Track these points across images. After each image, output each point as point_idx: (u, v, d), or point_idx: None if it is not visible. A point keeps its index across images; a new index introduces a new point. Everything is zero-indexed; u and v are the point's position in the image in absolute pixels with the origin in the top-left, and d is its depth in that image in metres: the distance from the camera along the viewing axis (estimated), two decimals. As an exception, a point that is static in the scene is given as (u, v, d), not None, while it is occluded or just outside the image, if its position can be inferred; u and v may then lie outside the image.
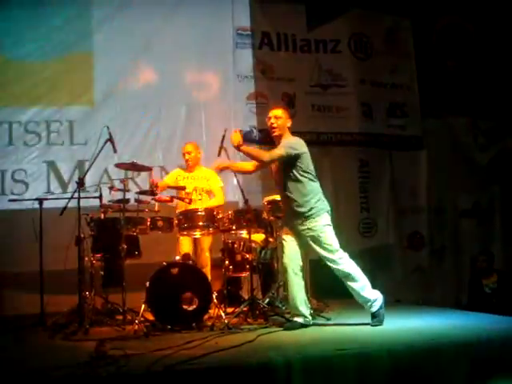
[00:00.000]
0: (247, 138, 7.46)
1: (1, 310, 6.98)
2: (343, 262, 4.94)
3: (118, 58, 7.53)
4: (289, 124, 5.15)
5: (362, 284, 4.95)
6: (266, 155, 5.02)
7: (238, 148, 5.10)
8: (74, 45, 7.47)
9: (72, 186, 6.93)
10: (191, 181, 6.22)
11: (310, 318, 5.09)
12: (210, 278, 5.60)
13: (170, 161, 7.20)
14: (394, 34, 8.58)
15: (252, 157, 5.14)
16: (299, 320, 5.03)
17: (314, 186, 5.06)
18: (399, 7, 8.48)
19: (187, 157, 6.31)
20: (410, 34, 8.58)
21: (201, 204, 5.95)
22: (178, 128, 7.49)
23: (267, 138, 5.87)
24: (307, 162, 5.04)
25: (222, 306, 5.47)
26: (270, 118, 5.14)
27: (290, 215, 5.08)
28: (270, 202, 5.80)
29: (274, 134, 5.12)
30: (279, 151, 4.95)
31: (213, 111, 7.62)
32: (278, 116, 5.10)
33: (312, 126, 7.93)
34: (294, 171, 4.98)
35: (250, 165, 5.33)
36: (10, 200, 5.98)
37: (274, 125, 5.09)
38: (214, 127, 7.25)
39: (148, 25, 7.64)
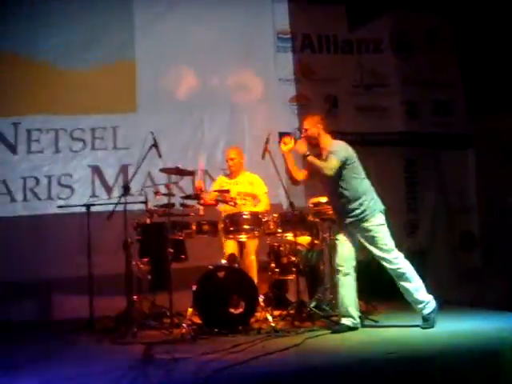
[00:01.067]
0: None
1: (50, 315, 7.14)
2: (399, 262, 4.92)
3: (160, 64, 7.58)
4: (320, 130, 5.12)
5: (416, 285, 4.90)
6: (329, 170, 4.97)
7: (304, 157, 5.12)
8: (117, 53, 7.56)
9: (116, 191, 7.06)
10: (235, 186, 6.22)
11: (359, 320, 5.03)
12: (256, 281, 5.59)
13: (213, 165, 7.20)
14: (437, 32, 8.40)
15: (317, 168, 5.10)
16: (347, 322, 4.98)
17: (366, 186, 5.06)
18: (441, 5, 8.33)
19: (230, 163, 6.33)
20: (452, 32, 8.41)
21: (245, 209, 5.94)
22: (221, 132, 7.49)
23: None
24: (355, 164, 5.05)
25: (269, 309, 5.44)
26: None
27: (344, 216, 5.07)
28: (315, 204, 5.77)
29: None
30: (335, 161, 4.94)
31: (255, 115, 7.60)
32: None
33: (356, 126, 7.82)
34: (345, 173, 4.98)
35: (300, 174, 5.30)
36: (59, 206, 6.09)
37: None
38: (256, 131, 7.22)
39: (189, 30, 7.66)
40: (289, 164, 5.27)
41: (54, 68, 7.41)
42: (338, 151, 5.00)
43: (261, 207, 6.15)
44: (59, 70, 7.42)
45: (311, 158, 5.07)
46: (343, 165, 4.95)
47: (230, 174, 6.38)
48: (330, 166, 4.95)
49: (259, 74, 7.76)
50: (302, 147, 5.10)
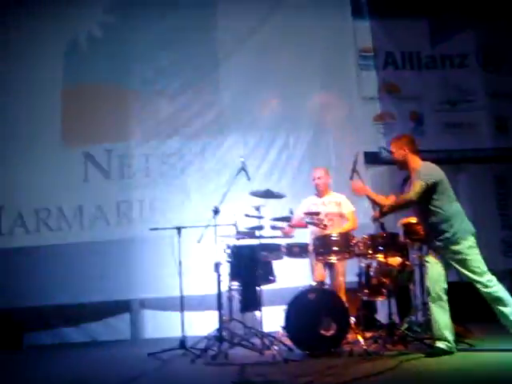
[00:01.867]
0: (375, 159, 7.40)
1: (143, 333, 7.37)
2: (493, 285, 4.82)
3: (243, 88, 7.74)
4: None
5: None
6: (411, 196, 4.96)
7: (384, 214, 5.22)
8: (202, 79, 7.79)
9: (206, 214, 7.21)
10: (322, 207, 6.22)
11: (454, 344, 4.90)
12: (344, 302, 5.56)
13: (300, 186, 7.17)
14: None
15: (399, 209, 5.17)
16: (442, 346, 4.87)
17: (455, 209, 4.97)
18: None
19: (317, 182, 6.33)
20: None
21: (333, 229, 5.93)
22: (306, 153, 7.52)
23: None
24: (445, 186, 4.98)
25: (360, 330, 5.39)
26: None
27: (433, 239, 5.01)
28: (405, 225, 5.69)
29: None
30: (419, 184, 4.91)
31: (340, 134, 7.59)
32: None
33: (443, 144, 7.68)
34: (434, 197, 4.93)
35: (387, 200, 5.28)
36: (152, 228, 6.27)
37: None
38: (342, 151, 7.24)
39: (270, 54, 7.80)
40: (373, 197, 5.33)
41: (144, 96, 7.72)
42: (424, 175, 4.95)
43: (348, 226, 6.12)
44: (149, 97, 7.72)
45: (389, 209, 5.15)
46: (430, 188, 4.89)
47: (317, 194, 6.39)
48: (413, 191, 4.92)
49: (342, 93, 7.76)
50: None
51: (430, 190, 4.91)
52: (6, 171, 7.59)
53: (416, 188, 4.91)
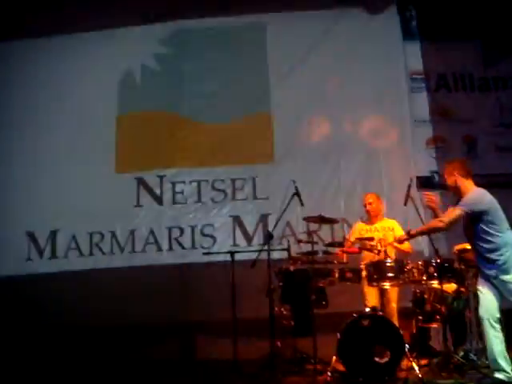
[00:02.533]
0: (428, 184, 7.30)
1: (195, 355, 7.40)
2: None
3: (294, 114, 7.81)
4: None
5: None
6: (444, 221, 4.92)
7: (411, 236, 5.25)
8: (253, 106, 7.92)
9: (256, 239, 7.28)
10: (375, 233, 6.18)
11: (512, 373, 4.77)
12: (398, 329, 5.48)
13: (351, 212, 7.10)
14: None
15: (429, 233, 5.15)
16: (500, 376, 4.74)
17: (507, 238, 4.83)
18: None
19: (368, 207, 6.30)
20: None
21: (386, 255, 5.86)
22: (357, 178, 7.48)
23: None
24: (495, 214, 4.85)
25: (414, 358, 5.29)
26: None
27: (484, 267, 4.89)
28: (460, 251, 5.60)
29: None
30: (457, 211, 4.86)
31: (392, 159, 7.52)
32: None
33: (497, 167, 7.53)
34: (482, 225, 4.83)
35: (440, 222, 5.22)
36: (205, 253, 6.36)
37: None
38: (394, 175, 7.19)
39: (321, 78, 7.87)
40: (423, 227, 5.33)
41: (195, 122, 7.87)
42: (472, 200, 4.86)
43: (403, 247, 6.05)
44: (200, 124, 7.86)
45: (416, 232, 5.21)
46: (474, 215, 4.80)
47: (369, 220, 6.36)
48: (448, 216, 4.90)
49: (393, 116, 7.73)
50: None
51: (478, 218, 4.81)
52: (62, 195, 7.83)
53: (451, 215, 4.86)
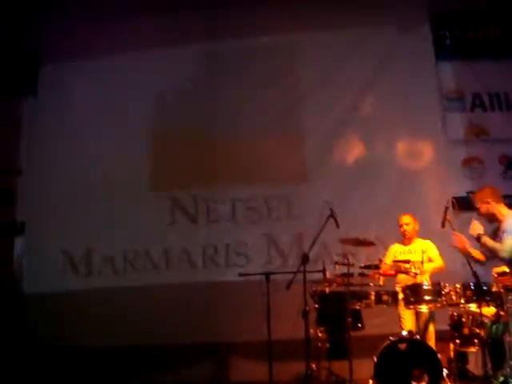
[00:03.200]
0: (464, 204, 7.20)
1: (229, 377, 7.40)
2: None
3: (328, 132, 7.83)
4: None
5: None
6: (505, 251, 4.94)
7: (477, 239, 5.10)
8: (286, 124, 7.94)
9: (291, 259, 7.28)
10: (409, 255, 6.14)
11: (553, 401, 4.67)
12: (435, 352, 5.42)
13: (386, 233, 6.93)
14: None
15: (490, 250, 5.07)
16: (541, 403, 4.64)
17: None
18: None
19: (405, 228, 6.26)
20: None
21: (420, 278, 5.80)
22: (392, 199, 7.39)
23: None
24: None
25: (452, 382, 5.23)
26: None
27: None
28: (499, 274, 5.51)
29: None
30: (510, 241, 4.84)
31: (427, 179, 7.45)
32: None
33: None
34: None
35: (478, 255, 5.22)
36: (240, 274, 6.38)
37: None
38: (429, 196, 7.12)
39: (351, 97, 7.88)
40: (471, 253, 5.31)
41: (230, 141, 7.91)
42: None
43: (434, 264, 6.05)
44: (234, 142, 7.91)
45: (485, 239, 5.03)
46: None
47: (404, 241, 6.31)
48: (505, 247, 4.83)
49: (428, 136, 7.65)
50: (477, 228, 5.08)
51: None
52: (97, 213, 7.93)
53: (507, 245, 4.84)
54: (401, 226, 6.30)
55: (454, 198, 7.05)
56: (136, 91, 8.21)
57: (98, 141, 8.16)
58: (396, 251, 6.26)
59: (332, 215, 5.71)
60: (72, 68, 8.38)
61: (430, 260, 6.12)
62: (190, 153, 8.01)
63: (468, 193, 7.24)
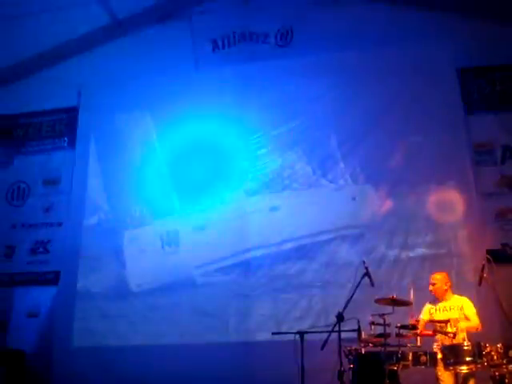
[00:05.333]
0: (500, 257, 7.06)
1: None
2: None
3: (359, 186, 7.88)
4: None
5: None
6: None
7: None
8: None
9: (323, 318, 7.15)
10: (444, 312, 6.01)
11: None
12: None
13: (420, 289, 6.56)
14: None
15: None
16: None
17: None
18: None
19: (431, 288, 6.16)
20: None
21: (458, 337, 5.64)
22: (425, 254, 7.33)
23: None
24: None
25: None
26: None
27: None
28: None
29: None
30: None
31: (460, 233, 7.37)
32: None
33: None
34: None
35: None
36: (274, 333, 6.34)
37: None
38: (463, 250, 7.02)
39: (385, 152, 7.90)
40: None
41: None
42: None
43: (471, 323, 5.86)
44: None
45: None
46: None
47: (435, 300, 6.18)
48: None
49: (459, 189, 7.58)
50: None
51: None
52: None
53: None
54: (429, 284, 6.20)
55: (489, 250, 6.98)
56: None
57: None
58: (431, 309, 6.13)
59: (367, 273, 5.65)
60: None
61: (467, 318, 5.96)
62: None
63: (503, 245, 7.14)
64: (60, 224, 8.71)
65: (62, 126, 9.24)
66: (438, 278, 6.17)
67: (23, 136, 9.40)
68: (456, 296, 6.17)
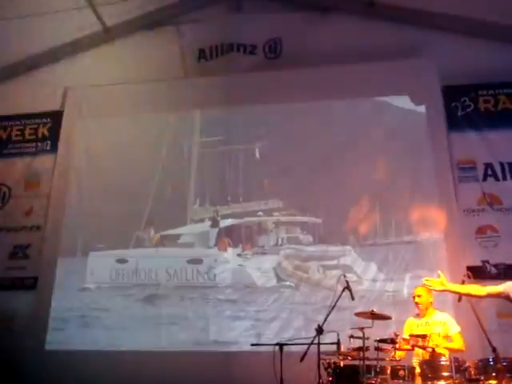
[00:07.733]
0: (480, 274, 7.12)
1: None
2: None
3: (342, 201, 7.88)
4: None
5: None
6: (483, 292, 5.02)
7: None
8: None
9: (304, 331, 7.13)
10: (426, 327, 6.01)
11: None
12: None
13: (401, 306, 6.93)
14: None
15: (468, 295, 5.17)
16: None
17: None
18: None
19: (417, 300, 6.15)
20: None
21: (438, 351, 5.62)
22: (407, 270, 7.38)
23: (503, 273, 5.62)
24: None
25: None
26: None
27: None
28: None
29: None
30: (498, 288, 4.94)
31: (441, 249, 7.39)
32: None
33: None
34: None
35: (482, 290, 5.15)
36: (253, 344, 6.31)
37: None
38: (443, 266, 7.01)
39: (366, 167, 7.96)
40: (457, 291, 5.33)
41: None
42: None
43: (454, 345, 5.84)
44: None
45: (453, 289, 5.28)
46: None
47: (419, 313, 6.19)
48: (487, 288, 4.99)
49: (440, 206, 7.62)
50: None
51: None
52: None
53: (491, 289, 4.97)
54: (414, 297, 6.20)
55: (469, 266, 7.04)
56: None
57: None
58: (413, 324, 6.13)
59: (347, 287, 5.66)
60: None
61: (448, 337, 5.95)
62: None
63: (483, 262, 7.19)
64: (39, 227, 8.62)
65: (46, 130, 9.17)
66: (423, 290, 6.14)
67: (6, 138, 9.31)
68: (437, 311, 6.19)
